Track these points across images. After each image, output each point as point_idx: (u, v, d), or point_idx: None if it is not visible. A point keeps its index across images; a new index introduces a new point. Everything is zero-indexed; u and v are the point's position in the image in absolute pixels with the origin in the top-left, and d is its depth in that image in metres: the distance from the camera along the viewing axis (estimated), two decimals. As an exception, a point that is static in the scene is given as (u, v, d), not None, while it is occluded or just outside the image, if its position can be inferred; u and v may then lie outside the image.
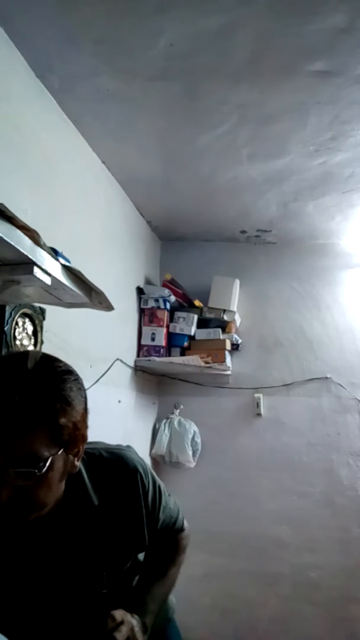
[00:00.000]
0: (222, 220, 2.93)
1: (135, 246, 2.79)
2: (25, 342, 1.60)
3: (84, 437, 0.89)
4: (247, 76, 1.69)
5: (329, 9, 1.40)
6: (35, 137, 1.71)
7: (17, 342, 1.56)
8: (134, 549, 1.08)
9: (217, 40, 1.53)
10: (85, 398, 0.89)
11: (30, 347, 1.63)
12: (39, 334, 1.66)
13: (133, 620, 0.98)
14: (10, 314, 1.52)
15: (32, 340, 1.64)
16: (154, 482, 1.10)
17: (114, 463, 1.05)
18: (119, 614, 0.96)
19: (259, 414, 2.99)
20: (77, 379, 0.88)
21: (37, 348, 1.65)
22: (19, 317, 1.57)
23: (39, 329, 1.66)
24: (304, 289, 3.16)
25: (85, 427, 0.89)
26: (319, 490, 2.87)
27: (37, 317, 1.66)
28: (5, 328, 1.50)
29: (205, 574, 2.74)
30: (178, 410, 2.94)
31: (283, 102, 1.82)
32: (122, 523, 1.03)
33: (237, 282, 3.06)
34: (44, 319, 1.69)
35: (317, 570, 2.79)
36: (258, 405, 3.00)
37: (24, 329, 1.60)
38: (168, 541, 1.18)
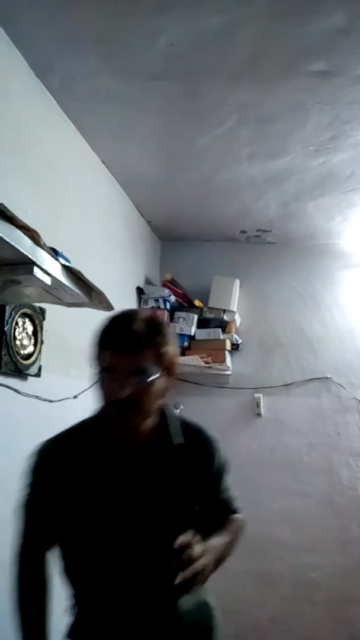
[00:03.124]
0: (222, 220, 2.93)
1: (135, 246, 2.79)
2: (25, 342, 1.61)
3: (176, 373, 1.15)
4: (247, 76, 1.69)
5: (329, 9, 1.40)
6: (35, 137, 1.71)
7: (17, 342, 1.56)
8: (195, 497, 1.20)
9: (217, 40, 1.53)
10: (176, 347, 1.18)
11: (30, 347, 1.63)
12: (39, 334, 1.66)
13: (202, 551, 1.04)
14: (10, 314, 1.52)
15: (32, 340, 1.64)
16: (223, 457, 1.29)
17: (195, 426, 1.28)
18: (193, 540, 1.03)
19: (259, 414, 2.99)
20: (170, 334, 1.16)
21: (37, 348, 1.65)
22: (19, 317, 1.57)
23: (39, 329, 1.66)
24: (304, 289, 3.16)
25: (176, 367, 1.15)
26: (319, 490, 2.87)
27: (37, 317, 1.66)
28: (5, 328, 1.50)
29: (205, 574, 2.74)
30: (178, 410, 2.94)
31: (283, 102, 1.82)
32: (192, 469, 1.20)
33: (237, 282, 3.06)
34: (44, 319, 1.69)
35: (317, 570, 2.78)
36: (258, 405, 3.00)
37: (24, 329, 1.60)
38: (227, 518, 1.29)
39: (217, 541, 1.17)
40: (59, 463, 1.16)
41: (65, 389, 1.87)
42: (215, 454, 1.26)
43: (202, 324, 2.95)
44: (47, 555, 1.19)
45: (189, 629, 1.20)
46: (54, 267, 1.22)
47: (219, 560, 1.15)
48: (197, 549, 1.01)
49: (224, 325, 2.97)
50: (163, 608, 1.15)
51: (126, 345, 1.07)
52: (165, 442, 1.18)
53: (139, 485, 1.15)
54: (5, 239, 1.03)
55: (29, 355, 1.61)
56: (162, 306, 2.81)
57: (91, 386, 2.07)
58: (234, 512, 1.32)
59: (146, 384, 1.06)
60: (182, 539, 1.01)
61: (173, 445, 1.18)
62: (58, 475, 1.15)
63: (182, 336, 2.89)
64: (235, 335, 3.02)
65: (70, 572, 1.17)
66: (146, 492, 1.14)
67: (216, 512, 1.27)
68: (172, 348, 1.13)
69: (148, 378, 1.06)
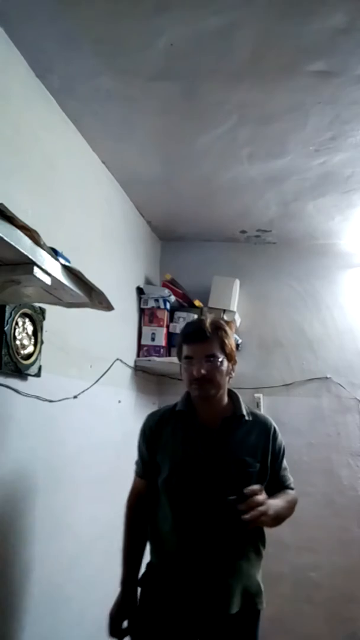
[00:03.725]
0: (222, 220, 2.93)
1: (135, 246, 2.79)
2: (25, 342, 1.61)
3: (235, 361, 1.63)
4: (247, 76, 1.69)
5: (329, 9, 1.40)
6: (35, 137, 1.71)
7: (17, 342, 1.56)
8: (258, 459, 1.57)
9: (217, 40, 1.53)
10: (235, 340, 1.76)
11: (30, 347, 1.63)
12: (39, 334, 1.66)
13: (265, 499, 1.40)
14: (10, 314, 1.52)
15: (32, 340, 1.64)
16: (281, 441, 1.68)
17: (263, 415, 1.75)
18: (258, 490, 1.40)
19: (259, 414, 2.99)
20: (230, 332, 1.62)
21: (37, 348, 1.65)
22: (19, 317, 1.57)
23: (39, 329, 1.66)
24: (303, 289, 3.16)
25: (235, 355, 1.63)
26: (319, 490, 2.87)
27: (37, 317, 1.66)
28: (5, 328, 1.50)
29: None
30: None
31: (283, 102, 1.82)
32: (256, 440, 1.61)
33: (237, 282, 3.06)
34: (44, 319, 1.69)
35: (317, 570, 2.79)
36: (258, 405, 3.00)
37: (24, 329, 1.60)
38: (284, 490, 1.65)
39: (277, 500, 1.52)
40: (158, 427, 1.66)
41: (65, 389, 1.87)
42: (276, 435, 1.66)
43: (202, 324, 2.95)
44: (149, 496, 1.65)
45: (240, 598, 1.52)
46: (54, 267, 1.22)
47: (276, 517, 1.48)
48: (263, 495, 1.38)
49: (224, 325, 2.97)
50: (226, 560, 1.51)
51: (199, 337, 1.56)
52: (238, 417, 1.62)
53: (215, 447, 1.56)
54: (5, 239, 1.02)
55: (29, 355, 1.61)
56: (162, 306, 2.81)
57: (91, 386, 2.07)
58: (290, 488, 1.68)
59: (216, 364, 1.55)
60: (251, 487, 1.37)
61: (244, 419, 1.62)
62: (157, 435, 1.65)
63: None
64: (235, 335, 3.02)
65: (161, 518, 1.59)
66: (221, 452, 1.55)
67: (276, 485, 1.63)
68: (231, 341, 1.60)
69: (217, 359, 1.55)
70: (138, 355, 2.75)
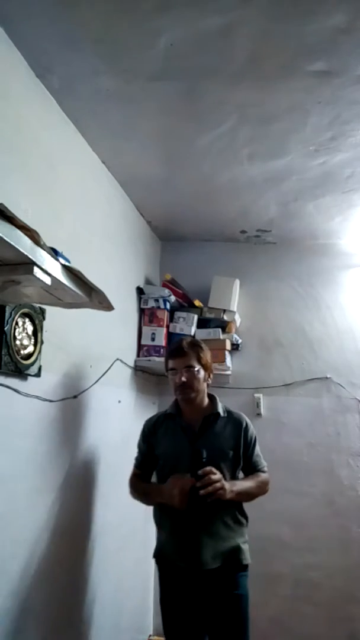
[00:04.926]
0: (222, 220, 2.93)
1: (135, 246, 2.79)
2: (25, 342, 1.60)
3: (211, 369, 2.07)
4: (247, 76, 1.69)
5: (329, 9, 1.40)
6: (35, 137, 1.71)
7: (17, 342, 1.55)
8: (232, 447, 1.98)
9: (217, 40, 1.53)
10: (210, 354, 2.09)
11: (30, 347, 1.63)
12: (39, 334, 1.66)
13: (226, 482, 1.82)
14: (10, 314, 1.52)
15: (32, 340, 1.64)
16: (253, 431, 2.06)
17: (237, 412, 2.09)
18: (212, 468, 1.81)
19: (259, 414, 3.00)
20: (205, 347, 2.07)
21: (37, 348, 1.65)
22: (19, 317, 1.57)
23: (39, 329, 1.66)
24: (304, 289, 3.16)
25: (211, 365, 2.08)
26: (319, 490, 2.87)
27: (37, 317, 1.66)
28: (5, 328, 1.50)
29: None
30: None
31: (283, 102, 1.82)
32: (231, 432, 2.00)
33: (237, 282, 3.06)
34: (44, 319, 1.69)
35: (317, 570, 2.79)
36: (258, 405, 3.00)
37: (24, 329, 1.60)
38: (255, 473, 2.03)
39: (244, 480, 1.99)
40: (154, 427, 2.09)
41: (65, 389, 1.87)
42: (248, 428, 2.03)
43: (202, 324, 2.95)
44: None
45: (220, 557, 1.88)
46: (54, 267, 1.22)
47: (241, 492, 1.89)
48: (217, 475, 1.77)
49: (224, 325, 2.97)
50: (204, 524, 1.87)
51: (179, 353, 2.00)
52: (215, 415, 2.01)
53: (197, 440, 1.94)
54: (5, 239, 1.03)
55: (29, 355, 1.61)
56: (162, 306, 2.81)
57: (91, 386, 2.07)
58: (262, 471, 2.04)
59: (193, 373, 1.97)
60: (204, 469, 1.77)
61: (219, 415, 2.01)
62: (153, 433, 2.07)
63: (182, 336, 2.88)
64: (235, 335, 3.02)
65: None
66: (200, 443, 1.90)
67: (248, 468, 2.02)
68: (207, 355, 2.04)
69: (194, 369, 1.97)
70: (138, 355, 2.75)
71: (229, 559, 1.89)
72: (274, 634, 2.70)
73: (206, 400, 2.05)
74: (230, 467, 1.94)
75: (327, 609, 2.73)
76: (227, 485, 1.79)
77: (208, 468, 1.77)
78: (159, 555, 1.99)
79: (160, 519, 2.00)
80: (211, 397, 2.07)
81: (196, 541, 1.85)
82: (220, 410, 2.02)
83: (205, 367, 2.01)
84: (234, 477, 1.96)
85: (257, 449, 2.05)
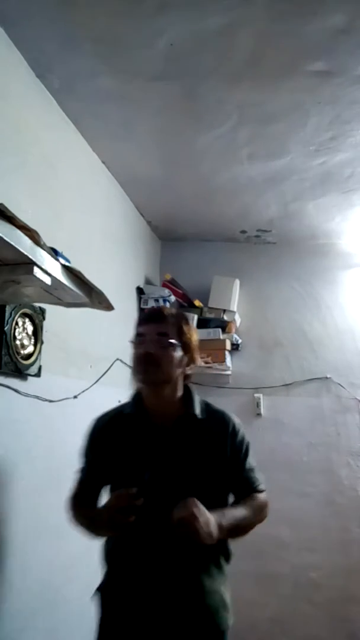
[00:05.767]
0: (222, 220, 2.93)
1: (135, 246, 2.79)
2: (25, 342, 1.60)
3: (194, 356, 1.43)
4: (247, 76, 1.69)
5: (328, 9, 1.40)
6: (35, 137, 1.70)
7: (17, 342, 1.55)
8: (214, 465, 1.38)
9: (217, 40, 1.53)
10: (197, 337, 1.47)
11: (30, 347, 1.63)
12: (39, 334, 1.66)
13: (212, 516, 1.22)
14: (10, 314, 1.52)
15: (32, 340, 1.64)
16: (244, 436, 1.46)
17: (219, 410, 1.49)
18: (201, 506, 1.22)
19: (259, 414, 2.99)
20: (193, 326, 1.50)
21: (37, 348, 1.65)
22: (19, 317, 1.57)
23: (39, 329, 1.66)
24: (304, 289, 3.16)
25: (196, 350, 1.44)
26: (319, 490, 2.87)
27: (37, 317, 1.66)
28: (5, 328, 1.50)
29: (205, 574, 2.74)
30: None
31: (283, 102, 1.82)
32: (211, 442, 1.39)
33: (237, 282, 3.06)
34: (44, 319, 1.69)
35: (317, 570, 2.78)
36: (258, 405, 3.00)
37: (24, 329, 1.60)
38: (250, 495, 1.42)
39: (234, 512, 1.34)
40: (106, 432, 1.45)
41: (65, 389, 1.87)
42: (236, 432, 1.44)
43: (202, 324, 2.95)
44: (94, 501, 1.46)
45: (202, 610, 1.32)
46: (54, 267, 1.22)
47: (233, 528, 1.29)
48: (198, 516, 1.18)
49: (224, 325, 2.97)
50: (186, 575, 1.31)
51: (154, 317, 1.42)
52: (190, 416, 1.40)
53: (165, 451, 1.36)
54: (5, 239, 1.03)
55: (29, 355, 1.61)
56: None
57: (91, 386, 2.07)
58: (258, 491, 1.43)
59: (166, 344, 1.36)
60: (181, 503, 1.20)
61: (197, 419, 1.40)
62: (105, 441, 1.44)
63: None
64: (235, 335, 3.02)
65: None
66: (170, 457, 1.36)
67: (240, 489, 1.42)
68: (192, 333, 1.43)
69: (169, 340, 1.36)
70: (138, 355, 2.75)
71: (203, 623, 1.31)
72: (274, 634, 2.70)
73: (179, 394, 1.42)
74: (213, 495, 1.32)
75: (327, 609, 2.73)
76: (212, 524, 1.20)
77: (187, 502, 1.20)
78: (109, 596, 1.38)
79: (112, 554, 1.40)
80: (187, 391, 1.45)
81: (157, 599, 1.30)
82: (197, 409, 1.41)
83: (187, 348, 1.39)
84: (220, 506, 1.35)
85: (251, 460, 1.45)
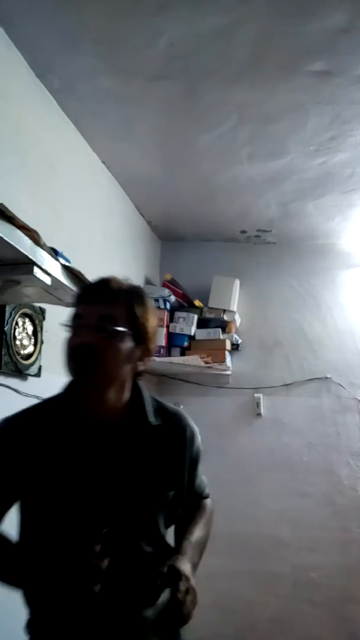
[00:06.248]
0: (222, 220, 2.93)
1: (135, 246, 2.79)
2: (25, 342, 1.61)
3: (149, 347, 1.10)
4: (247, 76, 1.69)
5: (329, 8, 1.40)
6: (35, 137, 1.71)
7: (17, 342, 1.56)
8: (172, 482, 1.13)
9: (217, 40, 1.53)
10: (156, 322, 1.13)
11: (30, 347, 1.63)
12: (39, 334, 1.66)
13: (192, 579, 1.00)
14: (10, 314, 1.52)
15: (32, 340, 1.64)
16: (199, 444, 1.21)
17: (174, 410, 1.20)
18: (184, 570, 0.98)
19: (259, 414, 2.99)
20: (151, 305, 1.11)
21: (37, 348, 1.65)
22: (19, 317, 1.57)
23: (39, 329, 1.66)
24: (304, 289, 3.15)
25: (153, 339, 1.10)
26: (319, 490, 2.87)
27: (37, 317, 1.66)
28: (5, 328, 1.50)
29: (206, 574, 2.71)
30: (178, 410, 2.94)
31: (283, 102, 1.82)
32: (166, 453, 1.12)
33: (237, 282, 3.06)
34: (44, 319, 1.69)
35: (317, 570, 2.78)
36: (258, 405, 3.00)
37: (24, 329, 1.60)
38: (198, 503, 1.26)
39: (196, 546, 1.13)
40: (20, 439, 1.06)
41: (65, 389, 1.87)
42: (194, 439, 1.19)
43: (202, 324, 2.95)
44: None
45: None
46: (54, 267, 1.22)
47: (198, 562, 1.14)
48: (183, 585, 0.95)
49: (224, 325, 2.97)
50: (127, 610, 1.03)
51: (97, 295, 1.05)
52: (140, 421, 1.10)
53: (106, 466, 1.05)
54: (5, 239, 1.03)
55: (29, 355, 1.61)
56: (162, 306, 2.81)
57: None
58: (205, 497, 1.29)
59: (111, 332, 1.00)
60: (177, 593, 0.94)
61: (149, 425, 1.10)
62: (18, 451, 1.05)
63: (182, 336, 2.89)
64: (235, 335, 3.02)
65: (31, 558, 1.02)
66: (113, 473, 1.05)
67: (191, 499, 1.21)
68: (148, 316, 1.08)
69: (115, 327, 1.00)
70: (138, 355, 2.75)
71: None
72: (274, 634, 2.70)
73: (126, 397, 1.09)
74: (165, 517, 1.12)
75: (327, 609, 2.72)
76: (191, 577, 1.00)
77: (184, 579, 0.97)
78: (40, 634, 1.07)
79: (37, 592, 1.04)
80: (135, 391, 1.12)
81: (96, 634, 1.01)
82: (151, 415, 1.11)
83: (140, 337, 1.05)
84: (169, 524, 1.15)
85: (200, 468, 1.24)
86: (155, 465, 1.09)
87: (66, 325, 1.03)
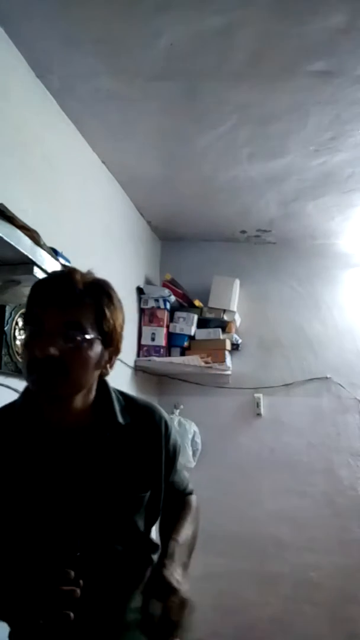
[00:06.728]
0: (222, 220, 2.93)
1: (135, 246, 2.79)
2: (25, 342, 1.61)
3: (118, 346, 1.02)
4: (247, 76, 1.69)
5: (329, 9, 1.40)
6: (35, 137, 1.71)
7: (17, 342, 1.56)
8: (148, 483, 1.07)
9: (217, 40, 1.53)
10: (124, 317, 1.03)
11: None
12: (39, 334, 1.66)
13: (185, 586, 0.94)
14: (10, 314, 1.53)
15: (32, 340, 1.64)
16: (175, 437, 1.15)
17: (144, 404, 1.13)
18: (174, 581, 0.92)
19: (259, 414, 2.99)
20: (119, 302, 1.02)
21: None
22: (19, 317, 1.57)
23: (39, 329, 1.66)
24: (304, 289, 3.16)
25: (121, 337, 1.02)
26: (319, 490, 2.87)
27: (37, 317, 1.66)
28: (5, 328, 1.50)
29: (205, 574, 2.73)
30: (178, 410, 2.94)
31: (283, 102, 1.82)
32: (140, 453, 1.06)
33: (237, 282, 3.06)
34: (44, 319, 1.69)
35: (317, 570, 2.79)
36: (258, 405, 3.00)
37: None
38: (182, 500, 1.20)
39: (177, 542, 1.05)
40: None
41: (65, 389, 1.87)
42: (169, 433, 1.11)
43: (202, 324, 2.95)
44: None
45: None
46: (54, 267, 1.22)
47: (188, 562, 1.07)
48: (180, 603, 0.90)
49: (224, 325, 2.97)
50: (105, 618, 1.00)
51: (61, 296, 0.91)
52: (108, 422, 1.02)
53: (72, 475, 0.97)
54: (5, 239, 1.03)
55: (29, 355, 1.61)
56: (162, 306, 2.81)
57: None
58: (188, 493, 1.22)
59: (79, 342, 0.90)
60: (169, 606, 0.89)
61: (118, 425, 1.02)
62: None
63: (182, 336, 2.89)
64: (235, 335, 3.02)
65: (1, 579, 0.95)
66: (81, 482, 0.98)
67: (170, 495, 1.14)
68: (116, 315, 0.98)
69: (82, 335, 0.91)
70: (138, 355, 2.75)
71: None
72: (274, 634, 2.70)
73: (92, 396, 1.02)
74: (145, 517, 1.08)
75: (327, 609, 2.73)
76: (182, 585, 0.94)
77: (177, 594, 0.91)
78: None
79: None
80: (101, 389, 1.05)
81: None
82: (119, 414, 1.04)
83: (109, 339, 0.98)
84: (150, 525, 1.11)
85: (180, 462, 1.18)
86: (127, 467, 1.03)
87: (24, 329, 0.94)
